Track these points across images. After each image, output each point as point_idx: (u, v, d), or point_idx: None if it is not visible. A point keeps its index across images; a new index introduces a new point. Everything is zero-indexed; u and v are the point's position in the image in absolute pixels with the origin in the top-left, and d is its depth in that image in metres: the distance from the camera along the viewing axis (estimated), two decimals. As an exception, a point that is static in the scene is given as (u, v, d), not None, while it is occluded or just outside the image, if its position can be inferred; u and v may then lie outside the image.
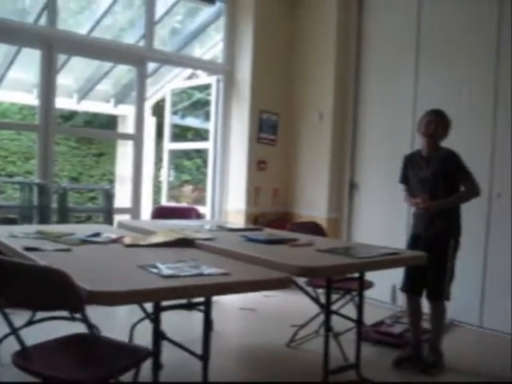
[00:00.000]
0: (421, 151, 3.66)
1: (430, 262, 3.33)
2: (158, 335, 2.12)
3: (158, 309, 2.11)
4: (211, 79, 6.15)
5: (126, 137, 7.12)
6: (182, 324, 3.67)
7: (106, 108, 8.25)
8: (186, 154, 10.46)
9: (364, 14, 5.61)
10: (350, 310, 3.31)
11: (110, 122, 9.28)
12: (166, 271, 2.05)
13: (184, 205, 7.79)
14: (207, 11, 6.20)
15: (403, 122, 5.09)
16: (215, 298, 2.54)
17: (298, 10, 6.01)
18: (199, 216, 5.01)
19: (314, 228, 4.15)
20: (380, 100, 5.40)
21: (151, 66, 6.65)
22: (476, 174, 3.47)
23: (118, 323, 4.04)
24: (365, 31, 5.61)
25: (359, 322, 2.96)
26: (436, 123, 3.51)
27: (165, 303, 2.19)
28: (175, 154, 9.29)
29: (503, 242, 4.34)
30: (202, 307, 2.36)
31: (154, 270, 2.06)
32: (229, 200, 5.99)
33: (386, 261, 2.60)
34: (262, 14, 5.83)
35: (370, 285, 3.75)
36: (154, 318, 2.11)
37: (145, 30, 5.45)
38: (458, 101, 4.61)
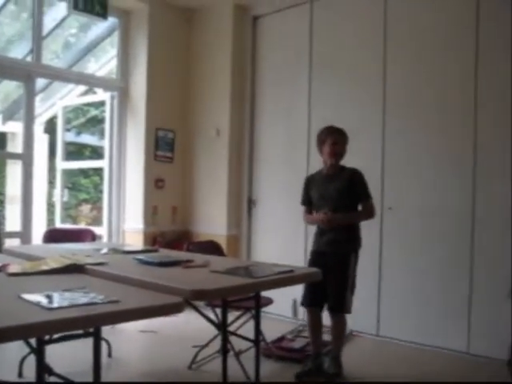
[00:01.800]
0: (321, 171, 3.77)
1: (332, 277, 3.42)
2: (42, 371, 1.98)
3: (41, 343, 1.97)
4: (105, 96, 5.97)
5: (13, 156, 6.74)
6: (75, 354, 3.48)
7: (-6, 125, 7.78)
8: (83, 172, 10.09)
9: (258, 30, 5.71)
10: (251, 328, 3.30)
11: (-1, 139, 8.75)
12: (50, 302, 1.92)
13: (78, 226, 7.49)
14: (100, 26, 6.03)
15: (299, 139, 5.21)
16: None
17: (193, 25, 6.01)
18: (95, 238, 4.81)
19: (211, 247, 4.12)
20: (276, 116, 5.50)
21: (42, 81, 6.37)
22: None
23: (7, 356, 3.77)
24: (260, 46, 5.71)
25: (257, 341, 2.95)
26: (342, 143, 3.63)
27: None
28: (71, 173, 8.94)
29: (394, 253, 4.54)
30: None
31: (37, 302, 1.93)
32: (126, 220, 5.83)
33: (281, 279, 2.61)
34: (157, 29, 5.77)
35: (268, 301, 3.77)
36: (37, 354, 1.98)
37: (32, 44, 5.20)
38: (349, 116, 4.78)
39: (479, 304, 4.11)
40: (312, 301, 3.65)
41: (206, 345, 3.82)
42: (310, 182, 3.82)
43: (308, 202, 3.82)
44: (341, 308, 3.55)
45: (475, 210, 4.14)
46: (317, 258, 3.65)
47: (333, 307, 3.57)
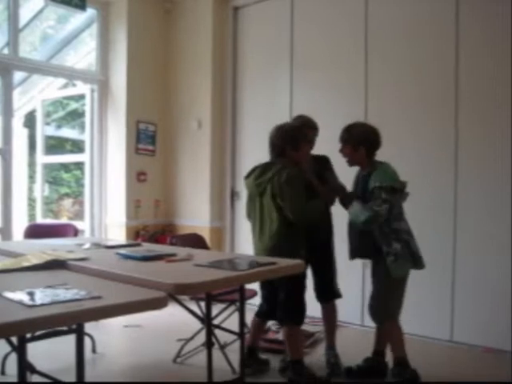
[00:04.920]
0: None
1: (321, 264, 3.48)
2: (23, 369, 1.95)
3: (23, 341, 1.95)
4: (85, 89, 5.90)
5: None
6: (58, 350, 3.46)
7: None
8: (64, 166, 9.97)
9: (239, 20, 5.68)
10: (236, 320, 3.29)
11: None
12: (32, 300, 1.89)
13: (60, 221, 7.41)
14: (79, 17, 5.94)
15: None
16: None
17: (173, 16, 5.95)
18: (77, 232, 4.77)
19: (195, 240, 4.10)
20: (258, 107, 5.48)
21: (20, 74, 6.28)
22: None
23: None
24: (241, 37, 5.67)
25: (241, 333, 2.94)
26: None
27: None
28: (52, 167, 8.84)
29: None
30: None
31: (19, 300, 1.90)
32: (108, 214, 5.78)
33: (264, 272, 2.60)
34: (136, 20, 5.71)
35: (253, 293, 3.77)
36: (19, 352, 1.95)
37: (8, 37, 5.11)
38: (331, 108, 4.78)
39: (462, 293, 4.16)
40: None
41: (191, 338, 3.81)
42: None
43: None
44: (334, 294, 3.60)
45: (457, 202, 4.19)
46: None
47: (325, 294, 3.60)
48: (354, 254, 3.42)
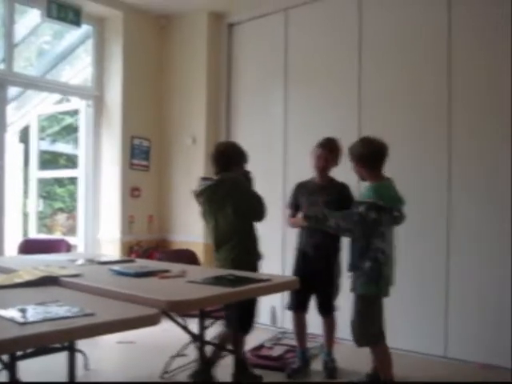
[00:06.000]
0: (314, 179, 3.88)
1: (320, 279, 3.67)
2: (15, 388, 1.94)
3: (13, 359, 1.93)
4: (80, 104, 5.91)
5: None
6: (51, 367, 3.43)
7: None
8: (59, 180, 9.95)
9: (234, 37, 5.72)
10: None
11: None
12: (23, 317, 1.88)
13: (53, 237, 7.38)
14: (74, 33, 5.97)
15: (275, 145, 5.22)
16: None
17: (168, 32, 6.00)
18: (70, 248, 4.76)
19: (182, 255, 4.12)
20: (252, 123, 5.51)
21: (15, 89, 6.28)
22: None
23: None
24: (235, 53, 5.71)
25: (235, 351, 2.93)
26: (325, 157, 3.74)
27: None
28: (46, 182, 8.81)
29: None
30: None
31: (10, 317, 1.89)
32: (102, 229, 5.76)
33: (258, 289, 2.59)
34: (131, 36, 5.74)
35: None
36: (9, 369, 1.93)
37: (4, 52, 5.13)
38: (325, 122, 4.81)
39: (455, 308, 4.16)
40: (297, 304, 3.81)
41: (179, 353, 3.81)
42: (301, 188, 3.91)
43: (294, 207, 3.89)
44: (331, 308, 3.83)
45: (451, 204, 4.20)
46: (302, 263, 3.83)
47: (325, 309, 3.81)
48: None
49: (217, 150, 3.54)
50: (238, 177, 3.44)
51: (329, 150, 3.76)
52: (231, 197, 3.34)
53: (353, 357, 4.21)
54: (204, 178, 3.58)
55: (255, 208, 3.39)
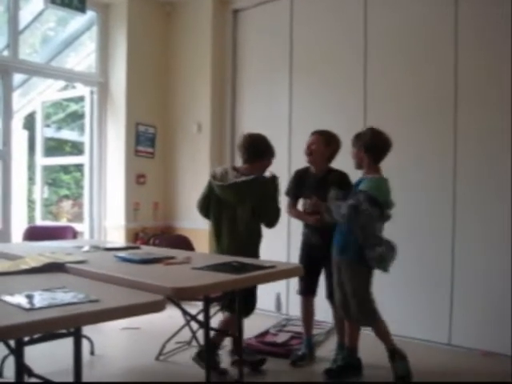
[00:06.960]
0: (310, 168, 3.84)
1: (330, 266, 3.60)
2: (21, 372, 1.96)
3: (20, 344, 1.95)
4: (85, 91, 5.90)
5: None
6: (57, 352, 3.45)
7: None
8: (64, 167, 9.97)
9: (239, 23, 5.68)
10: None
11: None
12: (30, 303, 1.89)
13: (59, 223, 7.41)
14: (79, 20, 5.95)
15: (280, 133, 5.19)
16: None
17: (172, 18, 5.96)
18: (76, 235, 4.78)
19: (178, 241, 4.16)
20: (257, 110, 5.49)
21: (20, 76, 6.28)
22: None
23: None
24: (240, 39, 5.68)
25: (239, 337, 2.94)
26: (316, 143, 3.70)
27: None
28: (51, 169, 8.83)
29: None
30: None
31: (17, 303, 1.90)
32: (107, 216, 5.78)
33: (263, 276, 2.60)
34: (136, 23, 5.71)
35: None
36: (16, 355, 1.95)
37: (8, 39, 5.12)
38: (331, 110, 4.79)
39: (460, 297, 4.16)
40: (306, 289, 3.82)
41: (174, 335, 3.88)
42: (301, 178, 3.87)
43: (294, 195, 3.87)
44: None
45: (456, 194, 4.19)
46: (309, 250, 3.80)
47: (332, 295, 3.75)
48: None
49: (247, 139, 3.60)
50: (270, 179, 3.53)
51: (319, 137, 3.72)
52: (257, 196, 3.43)
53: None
54: (234, 168, 3.61)
55: (271, 216, 3.50)
